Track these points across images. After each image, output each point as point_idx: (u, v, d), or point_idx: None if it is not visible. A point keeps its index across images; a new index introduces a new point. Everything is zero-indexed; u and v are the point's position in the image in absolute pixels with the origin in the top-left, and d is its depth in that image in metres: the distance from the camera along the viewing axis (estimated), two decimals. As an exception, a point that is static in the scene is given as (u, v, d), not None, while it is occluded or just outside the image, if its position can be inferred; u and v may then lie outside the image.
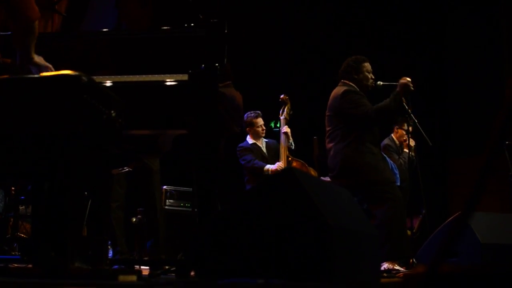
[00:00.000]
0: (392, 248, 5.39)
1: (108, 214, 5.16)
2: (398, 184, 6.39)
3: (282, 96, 7.64)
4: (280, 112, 7.60)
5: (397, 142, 8.03)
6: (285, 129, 7.41)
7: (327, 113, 5.88)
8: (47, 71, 3.27)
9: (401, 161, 7.51)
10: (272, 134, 7.67)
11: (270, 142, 7.58)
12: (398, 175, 6.73)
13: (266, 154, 7.44)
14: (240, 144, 7.43)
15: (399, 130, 7.97)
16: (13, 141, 2.87)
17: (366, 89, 5.86)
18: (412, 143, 7.52)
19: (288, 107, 7.57)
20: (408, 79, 5.67)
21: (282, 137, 7.39)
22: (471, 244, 5.09)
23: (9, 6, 3.10)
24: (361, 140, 5.64)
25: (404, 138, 7.82)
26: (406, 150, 7.68)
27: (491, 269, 1.48)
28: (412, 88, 5.67)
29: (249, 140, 7.47)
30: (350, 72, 5.86)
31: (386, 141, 7.98)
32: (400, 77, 5.87)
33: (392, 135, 8.12)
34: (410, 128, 6.65)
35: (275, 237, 2.84)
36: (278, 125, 7.65)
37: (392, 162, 6.84)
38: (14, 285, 2.09)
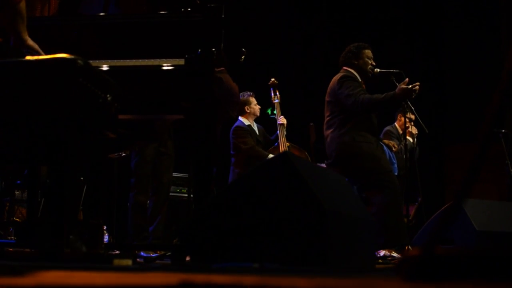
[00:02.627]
0: (389, 236, 5.40)
1: (105, 199, 5.17)
2: (396, 173, 6.40)
3: (272, 79, 7.54)
4: (272, 96, 7.50)
5: (400, 130, 8.04)
6: (282, 120, 7.31)
7: (326, 99, 5.88)
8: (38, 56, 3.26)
9: (401, 146, 7.51)
10: (269, 121, 7.58)
11: (259, 127, 7.49)
12: (396, 165, 6.75)
13: (260, 138, 7.36)
14: (237, 124, 7.25)
15: (402, 118, 7.97)
16: (8, 125, 2.87)
17: (366, 75, 5.86)
18: (414, 131, 7.55)
19: (277, 91, 7.49)
20: (410, 87, 5.47)
21: (280, 128, 7.29)
22: (467, 231, 5.10)
23: None
24: (358, 128, 5.65)
25: (407, 125, 7.83)
26: (408, 137, 7.69)
27: (485, 252, 1.48)
28: (413, 96, 5.56)
29: (244, 121, 7.31)
30: (350, 58, 5.88)
31: (388, 127, 8.01)
32: (396, 66, 5.89)
33: (396, 123, 8.15)
34: (413, 117, 6.66)
35: (271, 221, 2.84)
36: (268, 111, 7.56)
37: (389, 151, 6.85)
38: (10, 268, 2.09)
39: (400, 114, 7.99)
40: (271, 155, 7.00)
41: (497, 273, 1.47)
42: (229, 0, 4.30)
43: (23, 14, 3.14)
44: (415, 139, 7.67)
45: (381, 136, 7.65)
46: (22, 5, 3.12)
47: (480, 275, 1.46)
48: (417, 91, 5.52)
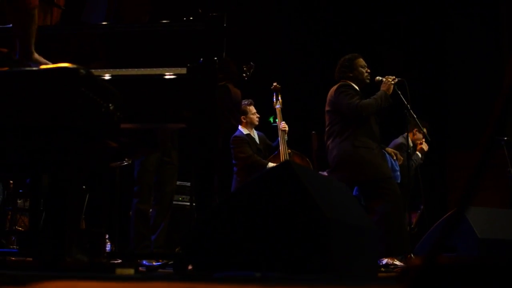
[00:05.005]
0: (392, 244, 5.39)
1: (107, 207, 5.17)
2: (398, 181, 6.38)
3: (274, 84, 7.50)
4: (274, 101, 7.45)
5: (411, 144, 7.96)
6: (283, 126, 7.26)
7: (326, 109, 5.91)
8: None
9: (413, 163, 7.37)
10: (271, 129, 7.55)
11: (260, 134, 7.42)
12: (398, 173, 6.73)
13: (260, 146, 7.30)
14: (236, 134, 7.16)
15: (418, 133, 7.94)
16: (11, 134, 2.87)
17: (363, 84, 5.90)
18: (425, 147, 7.56)
19: (280, 95, 7.45)
20: (386, 78, 5.92)
21: (280, 134, 7.25)
22: (469, 239, 5.09)
23: None
24: (357, 135, 5.67)
25: (420, 142, 7.85)
26: (418, 153, 7.70)
27: (488, 261, 1.48)
28: (392, 85, 5.89)
29: (243, 130, 7.23)
30: (345, 71, 5.94)
31: (401, 139, 7.87)
32: (398, 72, 5.94)
33: (408, 134, 8.08)
34: (425, 131, 6.67)
35: (273, 230, 2.84)
36: (271, 119, 7.50)
37: (391, 159, 6.83)
38: (13, 278, 2.09)
39: (416, 129, 7.89)
40: (270, 164, 6.97)
41: (500, 281, 1.47)
42: (232, 6, 4.31)
43: (35, 23, 3.14)
44: (423, 156, 7.71)
45: (392, 146, 7.63)
46: (36, 14, 3.12)
47: (483, 284, 1.45)
48: (395, 80, 5.91)
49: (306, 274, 2.77)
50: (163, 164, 5.52)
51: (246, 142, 7.12)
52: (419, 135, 7.90)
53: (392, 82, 5.87)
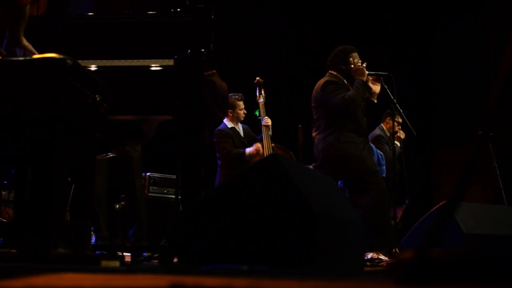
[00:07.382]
0: (376, 238, 5.40)
1: (92, 199, 5.13)
2: (384, 175, 6.38)
3: (257, 78, 7.47)
4: (257, 95, 7.42)
5: (388, 133, 7.97)
6: (266, 121, 7.23)
7: (312, 104, 5.88)
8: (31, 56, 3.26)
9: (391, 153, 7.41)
10: (256, 123, 7.51)
11: (245, 127, 7.40)
12: (384, 166, 6.73)
13: (245, 139, 7.28)
14: (219, 128, 7.14)
15: (391, 121, 7.93)
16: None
17: (353, 79, 5.85)
18: (402, 135, 7.54)
19: (263, 90, 7.43)
20: (360, 65, 5.79)
21: (264, 129, 7.23)
22: (455, 234, 5.10)
23: None
24: (343, 129, 5.65)
25: (395, 130, 7.81)
26: (396, 142, 7.68)
27: (476, 256, 1.48)
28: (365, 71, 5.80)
29: (227, 123, 7.20)
30: (338, 62, 5.86)
31: (377, 131, 7.91)
32: (387, 67, 5.91)
33: (382, 124, 8.06)
34: (401, 120, 6.63)
35: (259, 223, 2.83)
36: (256, 112, 7.47)
37: (380, 152, 6.84)
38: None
39: (388, 118, 7.91)
40: (247, 150, 6.96)
41: (489, 276, 1.47)
42: (218, 0, 4.29)
43: (26, 16, 3.16)
44: (402, 144, 7.68)
45: (370, 138, 7.61)
46: (28, 7, 3.14)
47: (473, 278, 1.45)
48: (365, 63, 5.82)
49: (292, 267, 2.76)
50: (129, 160, 5.43)
51: (229, 136, 7.10)
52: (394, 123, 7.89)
53: (361, 66, 5.79)
